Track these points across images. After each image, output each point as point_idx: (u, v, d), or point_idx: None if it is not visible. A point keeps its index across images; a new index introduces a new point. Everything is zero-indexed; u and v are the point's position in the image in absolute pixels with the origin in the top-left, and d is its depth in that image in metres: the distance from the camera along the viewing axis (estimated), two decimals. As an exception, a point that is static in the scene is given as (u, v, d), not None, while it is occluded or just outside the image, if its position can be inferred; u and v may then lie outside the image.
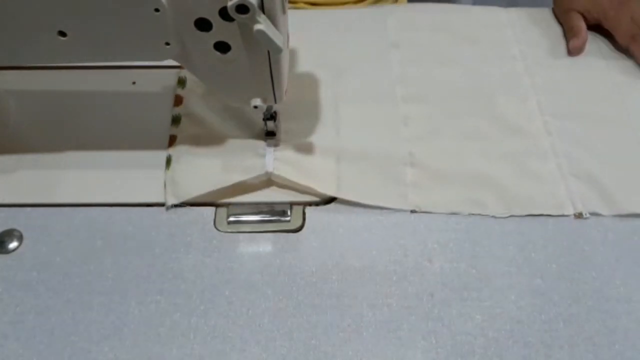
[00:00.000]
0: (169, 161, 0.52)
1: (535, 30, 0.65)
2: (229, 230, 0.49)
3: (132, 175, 0.52)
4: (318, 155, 0.53)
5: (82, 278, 0.46)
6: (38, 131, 0.55)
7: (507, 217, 0.50)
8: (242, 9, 0.37)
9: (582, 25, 0.63)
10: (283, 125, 0.54)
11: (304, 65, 0.60)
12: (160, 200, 0.50)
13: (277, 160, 0.51)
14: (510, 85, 0.60)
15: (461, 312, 0.45)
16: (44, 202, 0.50)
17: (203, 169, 0.51)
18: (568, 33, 0.64)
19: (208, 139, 0.53)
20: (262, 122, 0.51)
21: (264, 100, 0.46)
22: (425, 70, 0.61)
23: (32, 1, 0.38)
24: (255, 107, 0.46)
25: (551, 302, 0.45)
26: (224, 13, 0.38)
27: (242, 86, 0.45)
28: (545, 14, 0.67)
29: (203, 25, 0.40)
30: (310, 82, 0.59)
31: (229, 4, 0.36)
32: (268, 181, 0.51)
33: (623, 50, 0.63)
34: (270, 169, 0.50)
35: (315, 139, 0.54)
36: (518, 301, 0.45)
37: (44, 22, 0.39)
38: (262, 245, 0.49)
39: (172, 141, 0.53)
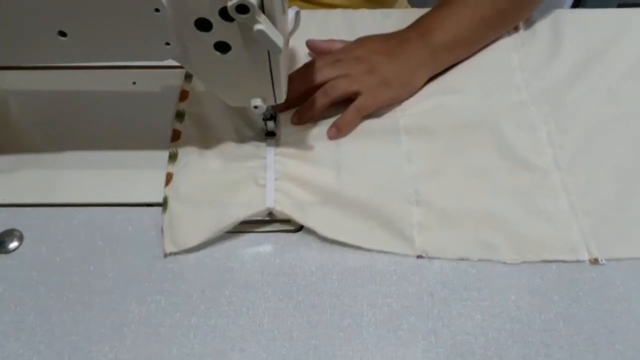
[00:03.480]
0: (165, 202, 0.49)
1: (540, 54, 0.61)
2: (229, 230, 0.49)
3: (132, 175, 0.52)
4: (319, 191, 0.50)
5: (82, 278, 0.46)
6: (38, 131, 0.55)
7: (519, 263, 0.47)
8: (242, 9, 0.37)
9: None
10: (283, 125, 0.54)
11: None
12: (161, 200, 0.50)
13: (278, 191, 0.49)
14: (517, 115, 0.56)
15: (461, 312, 0.45)
16: (44, 202, 0.50)
17: (201, 212, 0.48)
18: None
19: (208, 140, 0.53)
20: (262, 122, 0.51)
21: (264, 100, 0.46)
22: (428, 99, 0.57)
23: (32, 1, 0.38)
24: (256, 107, 0.46)
25: (551, 302, 0.45)
26: (224, 13, 0.38)
27: (242, 86, 0.45)
28: (549, 35, 0.63)
29: (203, 25, 0.40)
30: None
31: (229, 4, 0.36)
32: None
33: (632, 79, 0.59)
34: (271, 205, 0.48)
35: (315, 138, 0.54)
36: (518, 301, 0.45)
37: (44, 22, 0.39)
38: (262, 245, 0.48)
39: (175, 136, 0.53)
